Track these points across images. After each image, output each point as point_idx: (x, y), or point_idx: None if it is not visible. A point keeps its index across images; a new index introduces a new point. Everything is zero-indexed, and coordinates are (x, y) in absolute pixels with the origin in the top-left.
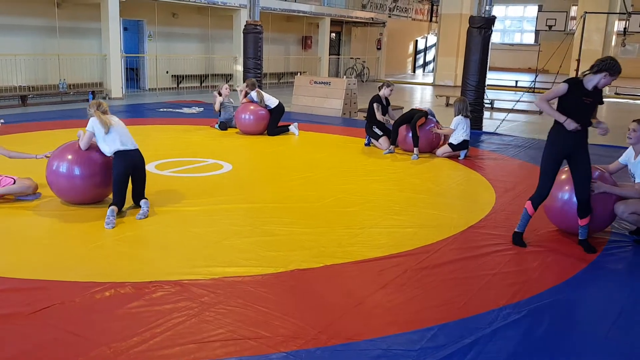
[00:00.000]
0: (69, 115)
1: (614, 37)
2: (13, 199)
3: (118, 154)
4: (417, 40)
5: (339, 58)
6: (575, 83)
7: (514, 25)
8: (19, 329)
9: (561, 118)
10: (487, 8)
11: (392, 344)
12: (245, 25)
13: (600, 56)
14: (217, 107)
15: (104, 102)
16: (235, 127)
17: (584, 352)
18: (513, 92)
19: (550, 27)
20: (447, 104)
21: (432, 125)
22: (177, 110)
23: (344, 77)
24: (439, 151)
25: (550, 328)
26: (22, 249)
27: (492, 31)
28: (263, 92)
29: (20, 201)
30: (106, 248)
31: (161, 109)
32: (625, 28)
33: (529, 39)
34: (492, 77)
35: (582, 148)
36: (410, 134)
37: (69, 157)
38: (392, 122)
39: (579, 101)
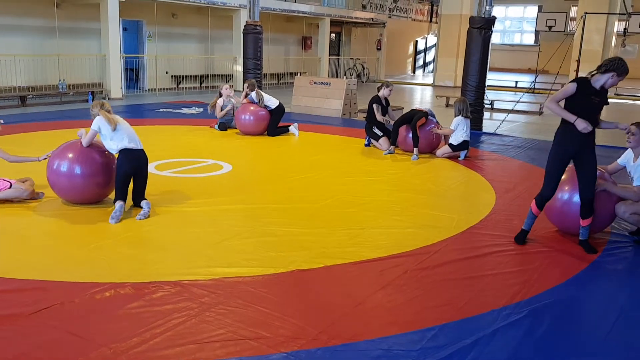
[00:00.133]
0: (68, 116)
1: (614, 37)
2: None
3: (124, 151)
4: (417, 41)
5: (338, 58)
6: (583, 82)
7: (514, 26)
8: (19, 329)
9: (571, 118)
10: (487, 8)
11: (392, 345)
12: (245, 26)
13: (600, 57)
14: (218, 110)
15: (106, 102)
16: (235, 128)
17: (584, 352)
18: (513, 92)
19: (550, 27)
20: (447, 105)
21: (433, 125)
22: (177, 111)
23: (344, 77)
24: (439, 152)
25: (551, 328)
26: (22, 249)
27: (492, 32)
28: (263, 93)
29: (22, 201)
30: (106, 248)
31: (161, 110)
32: (625, 29)
33: (529, 39)
34: (492, 78)
35: (589, 147)
36: (411, 135)
37: (70, 156)
38: (392, 122)
39: (587, 100)
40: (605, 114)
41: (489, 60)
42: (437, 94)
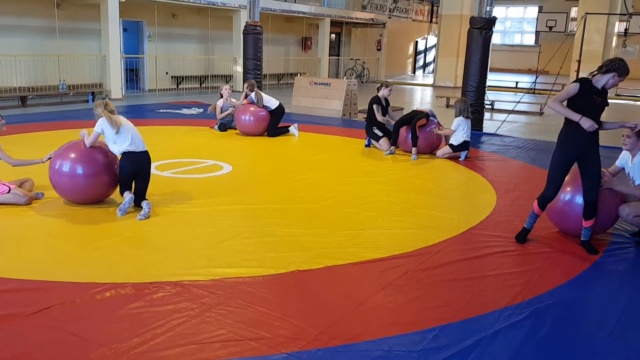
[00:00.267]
0: (68, 116)
1: (614, 38)
2: None
3: (126, 154)
4: (417, 41)
5: (339, 59)
6: (585, 82)
7: (514, 26)
8: (19, 329)
9: (576, 117)
10: (488, 9)
11: (393, 345)
12: (245, 26)
13: (600, 58)
14: (218, 112)
15: (110, 102)
16: (235, 128)
17: (586, 353)
18: (513, 93)
19: (550, 28)
20: (448, 105)
21: (434, 126)
22: (177, 111)
23: (344, 78)
24: (440, 152)
25: (553, 329)
26: (23, 249)
27: (492, 32)
28: (263, 93)
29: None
30: (107, 249)
31: (161, 110)
32: (626, 29)
33: (530, 40)
34: (492, 78)
35: (594, 147)
36: (410, 135)
37: (72, 156)
38: (392, 122)
39: (590, 100)
40: (605, 114)
41: (489, 61)
42: (438, 94)
